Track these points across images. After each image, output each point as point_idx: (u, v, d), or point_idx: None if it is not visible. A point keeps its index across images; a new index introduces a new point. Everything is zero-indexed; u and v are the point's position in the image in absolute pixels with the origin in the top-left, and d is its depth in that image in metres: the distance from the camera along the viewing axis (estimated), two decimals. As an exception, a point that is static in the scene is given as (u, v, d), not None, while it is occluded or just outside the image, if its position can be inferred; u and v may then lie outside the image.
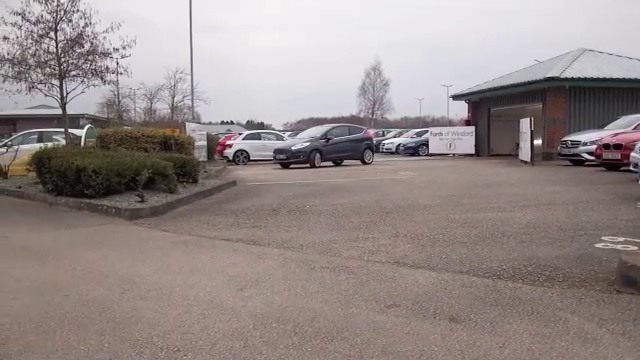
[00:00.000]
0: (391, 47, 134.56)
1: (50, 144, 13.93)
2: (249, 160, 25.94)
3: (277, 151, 22.56)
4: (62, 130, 15.45)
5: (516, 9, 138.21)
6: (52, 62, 13.75)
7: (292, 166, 21.64)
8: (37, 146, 14.15)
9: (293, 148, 22.15)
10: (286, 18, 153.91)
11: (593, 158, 16.59)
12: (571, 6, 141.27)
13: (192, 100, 33.95)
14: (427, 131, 33.93)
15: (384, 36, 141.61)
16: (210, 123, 79.66)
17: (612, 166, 15.26)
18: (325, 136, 22.73)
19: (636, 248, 5.51)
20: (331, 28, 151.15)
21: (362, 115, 75.75)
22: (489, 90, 28.23)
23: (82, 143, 15.37)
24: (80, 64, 13.97)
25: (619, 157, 14.58)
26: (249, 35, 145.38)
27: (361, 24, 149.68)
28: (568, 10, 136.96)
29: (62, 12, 13.65)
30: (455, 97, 33.48)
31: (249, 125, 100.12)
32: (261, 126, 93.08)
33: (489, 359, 3.08)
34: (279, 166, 22.17)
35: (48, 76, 13.86)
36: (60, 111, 14.60)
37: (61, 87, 13.89)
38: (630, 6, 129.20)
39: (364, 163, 23.25)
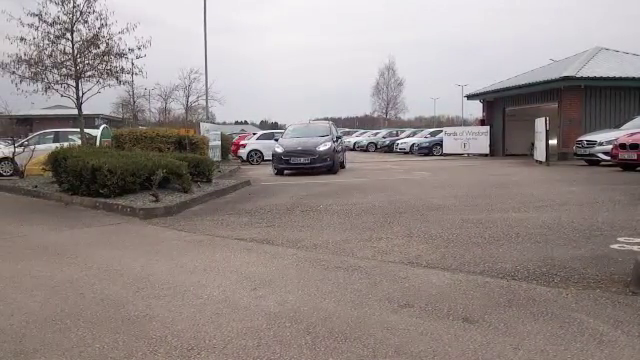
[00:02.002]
0: (406, 46, 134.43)
1: (66, 144, 14.09)
2: (263, 160, 25.98)
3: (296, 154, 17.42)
4: (78, 130, 15.61)
5: (535, 8, 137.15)
6: (68, 63, 13.90)
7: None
8: (53, 146, 14.36)
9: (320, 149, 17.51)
10: (302, 18, 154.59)
11: (609, 158, 16.42)
12: (589, 4, 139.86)
13: (206, 100, 34.08)
14: (441, 131, 33.75)
15: (399, 35, 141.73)
16: (224, 123, 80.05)
17: (628, 166, 15.09)
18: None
19: (653, 249, 5.45)
20: (347, 28, 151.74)
21: (376, 115, 75.69)
22: (504, 90, 28.02)
23: (97, 143, 15.52)
24: (96, 65, 14.10)
25: (635, 157, 14.44)
26: (264, 35, 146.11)
27: (377, 23, 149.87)
28: (586, 8, 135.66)
29: (78, 13, 13.81)
30: (470, 97, 33.27)
31: (263, 125, 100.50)
32: (275, 126, 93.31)
33: (503, 360, 3.06)
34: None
35: (64, 77, 14.02)
36: (76, 111, 14.76)
37: (77, 87, 14.03)
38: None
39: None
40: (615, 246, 5.71)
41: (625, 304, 3.96)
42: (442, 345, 3.28)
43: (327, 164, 17.15)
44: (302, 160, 17.07)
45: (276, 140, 27.06)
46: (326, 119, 21.18)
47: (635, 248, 5.56)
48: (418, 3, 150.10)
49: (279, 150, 17.50)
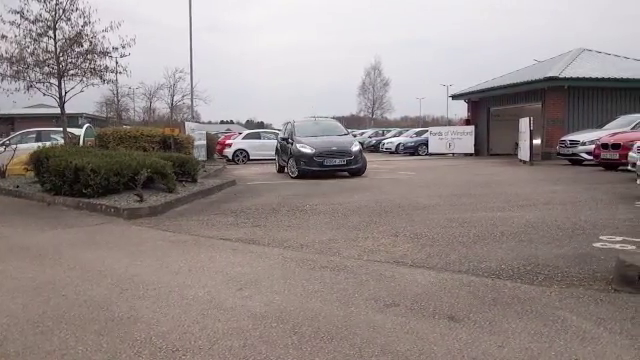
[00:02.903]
0: (391, 47, 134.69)
1: (48, 143, 13.94)
2: (249, 159, 25.91)
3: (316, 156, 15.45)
4: (61, 129, 15.46)
5: (519, 9, 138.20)
6: (51, 61, 13.74)
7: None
8: (35, 145, 14.16)
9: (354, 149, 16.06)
10: (288, 18, 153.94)
11: (592, 158, 16.60)
12: (575, 7, 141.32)
13: (192, 99, 33.96)
14: (427, 131, 33.89)
15: (385, 36, 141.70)
16: (210, 122, 79.75)
17: (610, 166, 15.26)
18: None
19: (634, 247, 5.51)
20: (333, 27, 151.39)
21: (362, 114, 75.82)
22: (489, 90, 28.21)
23: (81, 142, 15.38)
24: (79, 63, 13.96)
25: (617, 157, 14.59)
26: (251, 35, 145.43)
27: (362, 24, 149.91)
28: (572, 11, 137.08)
29: (61, 11, 13.65)
30: (455, 97, 33.47)
31: (249, 124, 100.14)
32: (261, 125, 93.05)
33: (488, 358, 3.08)
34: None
35: (47, 75, 13.85)
36: (59, 110, 14.60)
37: (60, 86, 13.88)
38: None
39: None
40: (598, 245, 5.77)
41: (607, 302, 4.01)
42: (428, 344, 3.29)
43: (359, 166, 15.83)
44: (337, 161, 15.39)
45: (259, 138, 27.31)
46: (313, 118, 20.58)
47: (617, 246, 5.62)
48: (404, 3, 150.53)
49: (307, 150, 15.42)
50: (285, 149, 16.96)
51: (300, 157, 15.57)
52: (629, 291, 4.18)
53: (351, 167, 15.59)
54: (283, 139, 17.35)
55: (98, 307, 4.11)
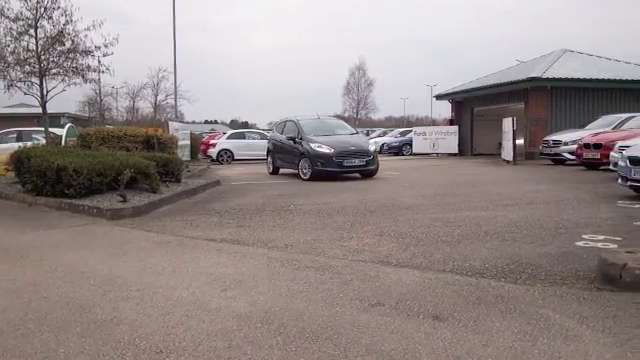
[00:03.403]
0: (376, 47, 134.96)
1: (30, 143, 13.76)
2: (233, 159, 25.82)
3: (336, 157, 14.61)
4: (42, 129, 15.29)
5: (504, 10, 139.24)
6: (32, 60, 13.60)
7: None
8: (16, 145, 13.98)
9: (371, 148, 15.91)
10: (273, 18, 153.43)
11: (574, 157, 16.76)
12: (559, 10, 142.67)
13: (175, 99, 33.82)
14: (411, 131, 34.02)
15: (370, 36, 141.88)
16: (194, 122, 79.34)
17: (592, 165, 15.42)
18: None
19: (616, 246, 5.57)
20: (317, 27, 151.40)
21: (347, 114, 75.83)
22: (472, 90, 28.40)
23: (63, 142, 15.22)
24: (61, 62, 13.84)
25: (599, 156, 14.74)
26: (236, 34, 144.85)
27: (347, 24, 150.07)
28: (556, 14, 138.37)
29: (42, 9, 13.52)
30: (439, 97, 33.63)
31: (233, 124, 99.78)
32: (245, 125, 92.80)
33: (472, 357, 3.09)
34: (264, 165, 21.92)
35: (28, 74, 13.72)
36: (40, 110, 14.44)
37: (41, 85, 13.74)
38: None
39: None
40: (580, 243, 5.83)
41: (590, 300, 4.05)
42: (413, 343, 3.29)
43: (375, 167, 15.14)
44: (357, 162, 14.56)
45: (244, 138, 27.19)
46: (316, 116, 20.09)
47: (599, 245, 5.68)
48: (390, 4, 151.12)
49: (325, 150, 14.47)
50: (289, 149, 15.81)
51: (317, 157, 14.53)
52: (611, 289, 4.22)
53: (369, 168, 14.88)
54: (289, 138, 15.78)
55: (80, 309, 4.06)
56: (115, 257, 5.82)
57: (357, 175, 15.07)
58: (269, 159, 17.62)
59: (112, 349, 3.29)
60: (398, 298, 4.17)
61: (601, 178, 12.77)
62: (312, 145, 14.76)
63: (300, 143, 15.21)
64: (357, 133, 16.65)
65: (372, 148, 15.41)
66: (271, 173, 17.20)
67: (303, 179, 14.69)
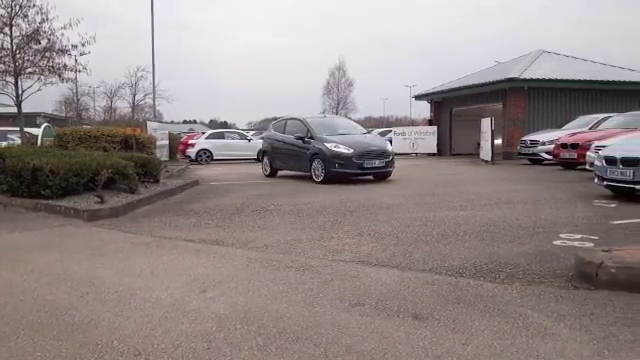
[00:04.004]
0: (356, 47, 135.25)
1: (5, 143, 13.56)
2: (212, 159, 25.69)
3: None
4: (17, 129, 15.06)
5: (482, 11, 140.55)
6: (6, 59, 13.40)
7: (256, 165, 21.42)
8: (-9, 145, 13.74)
9: None
10: (254, 18, 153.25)
11: (551, 157, 16.99)
12: (539, 11, 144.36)
13: (154, 98, 33.50)
14: (390, 131, 34.16)
15: (350, 36, 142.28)
16: (172, 122, 78.72)
17: (569, 165, 15.64)
18: None
19: (592, 245, 5.65)
20: (299, 27, 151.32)
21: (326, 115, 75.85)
22: (451, 90, 28.63)
23: (39, 142, 15.00)
24: (36, 61, 13.67)
25: (576, 156, 14.96)
26: (215, 34, 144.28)
27: (328, 24, 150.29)
28: (537, 16, 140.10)
29: (17, 7, 13.32)
30: (418, 97, 33.83)
31: (212, 124, 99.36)
32: (224, 125, 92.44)
33: (452, 356, 3.11)
34: (243, 165, 21.84)
35: (2, 73, 13.53)
36: (15, 109, 14.22)
37: (16, 84, 13.55)
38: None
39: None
40: (557, 242, 5.90)
41: (567, 298, 4.09)
42: (393, 343, 3.30)
43: (393, 168, 14.22)
44: (377, 163, 13.55)
45: (223, 138, 27.05)
46: (275, 119, 20.05)
47: (576, 244, 5.75)
48: (371, 3, 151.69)
49: (343, 150, 13.36)
50: (295, 149, 14.68)
51: (334, 158, 13.36)
52: (588, 287, 4.28)
53: (388, 169, 13.92)
54: (298, 137, 14.54)
55: (57, 311, 4.00)
56: (93, 258, 5.74)
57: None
58: (265, 160, 16.65)
59: (89, 352, 3.25)
60: (378, 298, 4.18)
61: (578, 178, 12.96)
62: (328, 145, 13.58)
63: (310, 143, 14.11)
64: (369, 132, 15.50)
65: (390, 148, 14.45)
66: (268, 175, 16.20)
67: (316, 182, 13.59)
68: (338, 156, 13.38)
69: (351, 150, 13.38)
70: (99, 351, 3.26)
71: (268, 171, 16.29)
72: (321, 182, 13.37)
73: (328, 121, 16.18)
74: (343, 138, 14.02)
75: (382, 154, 13.76)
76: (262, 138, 20.04)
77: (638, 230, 6.52)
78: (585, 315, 3.72)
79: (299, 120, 15.28)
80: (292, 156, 15.01)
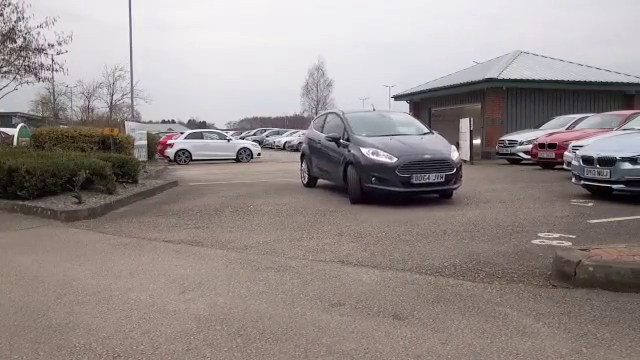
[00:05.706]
0: (335, 47, 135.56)
1: (-20, 143, 13.31)
2: (191, 160, 25.49)
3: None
4: (-7, 129, 14.79)
5: (463, 12, 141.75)
6: (-19, 58, 13.15)
7: (235, 165, 21.31)
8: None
9: None
10: (233, 18, 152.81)
11: (529, 157, 17.17)
12: (518, 11, 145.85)
13: (132, 98, 33.07)
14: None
15: (329, 36, 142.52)
16: (150, 122, 78.08)
17: (547, 165, 15.82)
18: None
19: (570, 244, 5.73)
20: (276, 27, 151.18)
21: (306, 115, 75.91)
22: (430, 91, 28.79)
23: (15, 142, 14.76)
24: (12, 60, 13.45)
25: (554, 156, 15.13)
26: (194, 34, 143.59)
27: (307, 24, 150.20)
28: (515, 15, 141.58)
29: (-8, 6, 13.08)
30: (397, 97, 33.97)
31: (191, 124, 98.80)
32: (203, 125, 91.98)
33: (432, 355, 3.12)
34: (222, 165, 21.69)
35: (-23, 72, 13.26)
36: (-10, 109, 13.98)
37: (-9, 84, 13.30)
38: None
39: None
40: (536, 241, 5.96)
41: (546, 297, 4.14)
42: (373, 342, 3.30)
43: (457, 185, 9.72)
44: (432, 178, 9.22)
45: (202, 138, 26.91)
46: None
47: (554, 243, 5.82)
48: (349, 4, 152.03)
49: (384, 159, 9.30)
50: (330, 154, 10.94)
51: (370, 169, 9.35)
52: (566, 286, 4.33)
53: (450, 187, 9.58)
54: (331, 139, 10.73)
55: (34, 314, 3.94)
56: (70, 260, 5.67)
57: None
58: (303, 166, 12.77)
59: (67, 354, 3.20)
60: (358, 297, 4.19)
61: (556, 177, 13.11)
62: (363, 150, 9.63)
63: (346, 146, 10.23)
64: (431, 132, 11.18)
65: (455, 156, 9.86)
66: (306, 185, 12.54)
67: (351, 202, 9.59)
68: (375, 166, 9.34)
69: (394, 159, 9.25)
70: (77, 353, 3.22)
71: (306, 179, 12.57)
72: (352, 202, 9.61)
73: (375, 117, 11.80)
74: (387, 141, 9.87)
75: (441, 165, 9.39)
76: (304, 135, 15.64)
77: (615, 229, 6.63)
78: (564, 313, 3.76)
79: (337, 115, 11.66)
80: (327, 162, 11.31)
